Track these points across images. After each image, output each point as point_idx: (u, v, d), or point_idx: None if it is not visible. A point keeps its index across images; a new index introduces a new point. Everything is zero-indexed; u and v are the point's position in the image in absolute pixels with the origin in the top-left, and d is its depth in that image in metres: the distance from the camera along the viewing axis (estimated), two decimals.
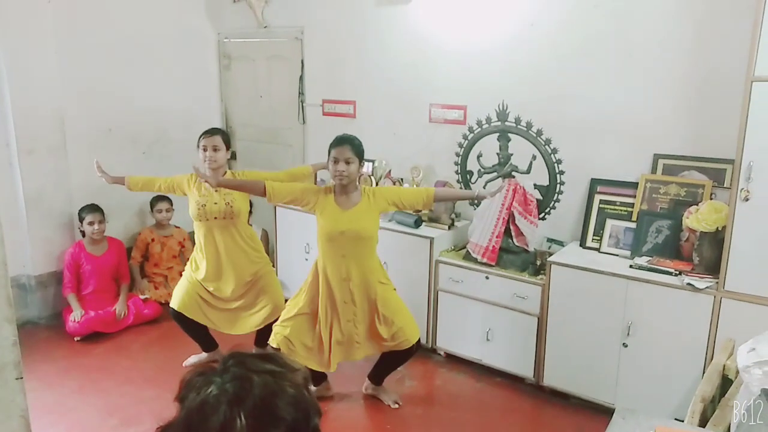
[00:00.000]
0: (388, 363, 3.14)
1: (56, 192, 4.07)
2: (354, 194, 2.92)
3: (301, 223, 4.01)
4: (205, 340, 3.50)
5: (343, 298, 2.92)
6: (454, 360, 3.59)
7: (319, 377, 3.12)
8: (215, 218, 3.23)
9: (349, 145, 2.85)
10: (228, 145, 3.31)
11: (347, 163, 2.83)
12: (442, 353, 3.66)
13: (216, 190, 3.22)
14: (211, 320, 3.37)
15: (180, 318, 3.36)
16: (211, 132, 3.27)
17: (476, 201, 3.65)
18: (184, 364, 3.53)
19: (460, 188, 3.83)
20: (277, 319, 3.18)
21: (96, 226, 3.99)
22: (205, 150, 3.21)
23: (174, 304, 3.35)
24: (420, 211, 3.51)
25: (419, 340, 3.07)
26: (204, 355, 3.55)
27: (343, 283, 2.90)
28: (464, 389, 3.38)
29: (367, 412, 3.15)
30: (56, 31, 3.92)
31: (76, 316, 3.82)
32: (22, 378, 1.56)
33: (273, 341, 2.99)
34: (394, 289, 3.07)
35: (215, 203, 3.22)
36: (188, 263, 3.42)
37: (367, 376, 3.24)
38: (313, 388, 3.07)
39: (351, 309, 2.94)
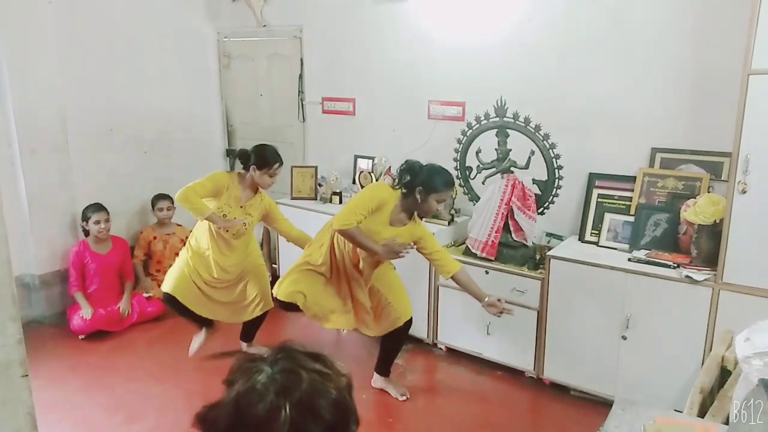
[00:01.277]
0: (387, 347, 3.21)
1: (59, 191, 4.09)
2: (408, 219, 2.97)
3: (303, 218, 4.02)
4: (200, 317, 3.44)
5: (353, 263, 2.99)
6: (454, 354, 3.62)
7: None
8: (227, 231, 3.24)
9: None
10: None
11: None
12: (442, 347, 3.68)
13: (241, 206, 3.23)
14: (206, 309, 3.38)
15: (172, 301, 3.33)
16: (281, 161, 3.25)
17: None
18: (189, 353, 3.50)
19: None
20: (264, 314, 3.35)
21: (102, 225, 4.00)
22: (271, 177, 3.22)
23: (167, 287, 3.32)
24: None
25: (411, 318, 3.13)
26: (203, 332, 3.50)
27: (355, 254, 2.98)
28: (465, 383, 3.41)
29: (369, 406, 3.18)
30: (57, 32, 3.93)
31: (86, 314, 3.84)
32: (27, 376, 1.58)
33: (282, 295, 3.00)
34: (394, 268, 3.17)
35: (234, 218, 3.21)
36: (185, 249, 3.39)
37: (374, 369, 3.28)
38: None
39: (359, 275, 3.03)
